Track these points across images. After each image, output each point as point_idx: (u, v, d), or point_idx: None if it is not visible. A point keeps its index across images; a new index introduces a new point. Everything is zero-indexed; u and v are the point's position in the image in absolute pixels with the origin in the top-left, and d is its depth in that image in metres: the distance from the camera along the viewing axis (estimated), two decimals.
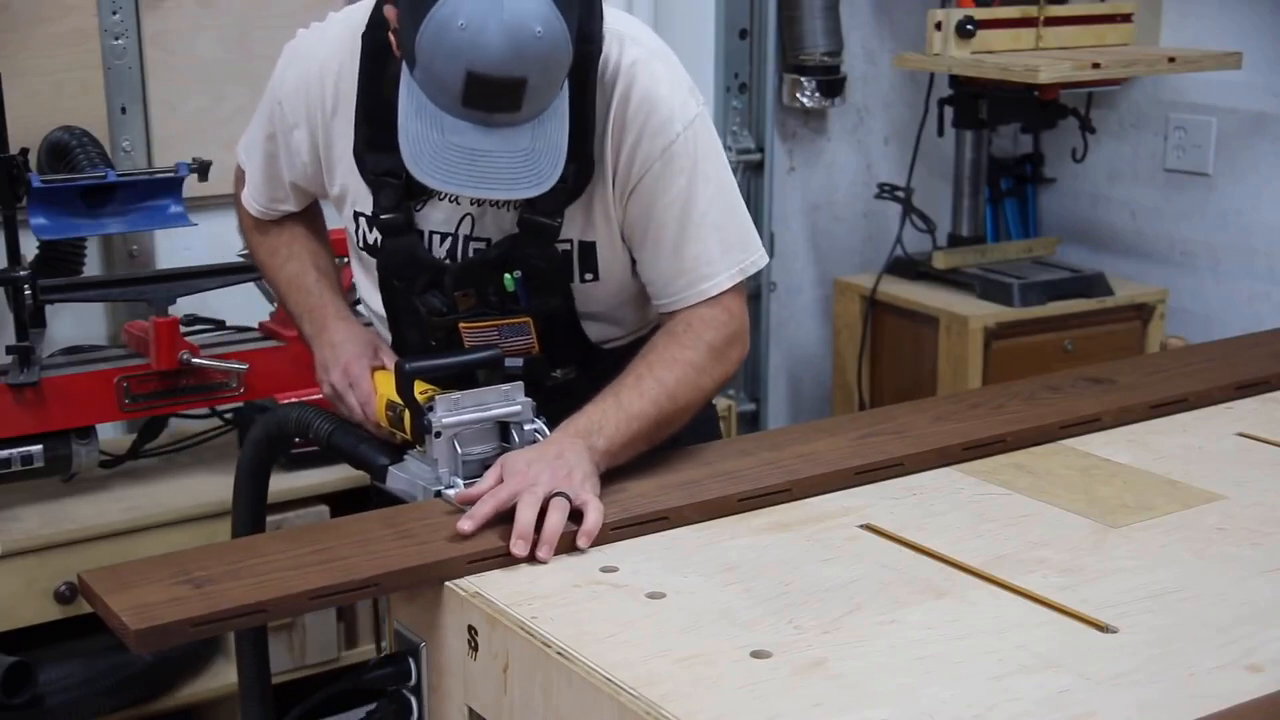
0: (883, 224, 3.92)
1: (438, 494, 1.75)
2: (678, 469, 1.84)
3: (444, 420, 1.74)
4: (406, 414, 1.80)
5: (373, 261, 1.96)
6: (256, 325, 2.84)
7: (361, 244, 1.95)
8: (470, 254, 1.89)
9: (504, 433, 1.79)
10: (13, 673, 2.44)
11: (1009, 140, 4.02)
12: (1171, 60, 3.36)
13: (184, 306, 2.72)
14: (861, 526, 1.71)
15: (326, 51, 1.90)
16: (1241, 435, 2.03)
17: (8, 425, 2.51)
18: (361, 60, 1.86)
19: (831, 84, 3.73)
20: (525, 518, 1.62)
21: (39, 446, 2.54)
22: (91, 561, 2.27)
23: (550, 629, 1.44)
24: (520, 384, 1.79)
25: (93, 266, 2.91)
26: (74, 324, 2.93)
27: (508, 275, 1.87)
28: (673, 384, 1.81)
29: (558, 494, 1.64)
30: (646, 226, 1.86)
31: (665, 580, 1.56)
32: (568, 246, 1.88)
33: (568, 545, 1.64)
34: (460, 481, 1.74)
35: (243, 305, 2.87)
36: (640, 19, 2.02)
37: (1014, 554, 1.63)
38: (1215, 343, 2.75)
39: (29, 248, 2.70)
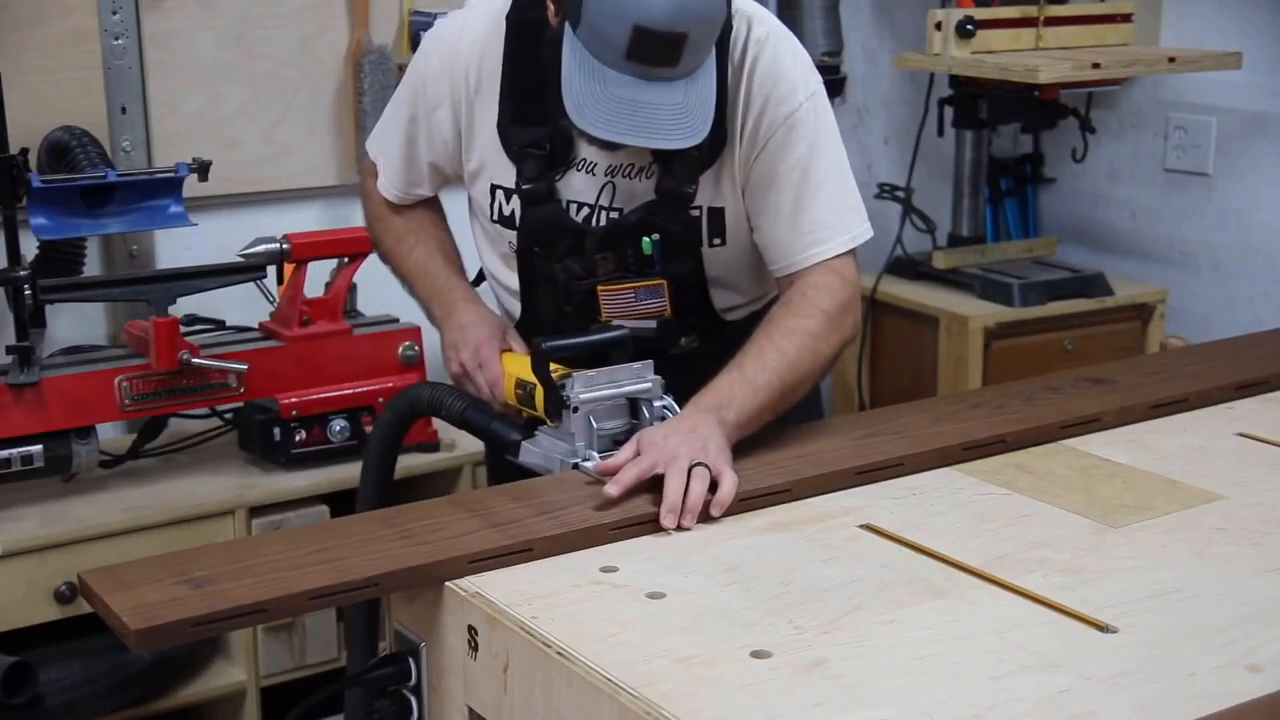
0: (883, 224, 3.89)
1: (575, 466, 1.82)
2: None
3: (581, 395, 1.82)
4: (538, 391, 1.87)
5: (501, 234, 2.06)
6: (256, 325, 2.84)
7: (495, 216, 2.06)
8: (606, 222, 1.99)
9: (633, 409, 1.86)
10: (13, 673, 2.44)
11: (1009, 140, 4.01)
12: (1171, 60, 3.35)
13: (184, 306, 2.72)
14: (861, 526, 1.71)
15: (470, 36, 2.02)
16: (1241, 435, 2.03)
17: (8, 425, 2.51)
18: (507, 39, 1.98)
19: (831, 84, 3.70)
20: (675, 489, 1.69)
21: (39, 446, 2.54)
22: (91, 561, 2.26)
23: (550, 629, 1.44)
24: (650, 363, 1.88)
25: (93, 266, 2.91)
26: (74, 324, 2.93)
27: (646, 239, 1.98)
28: (793, 354, 1.89)
29: (698, 464, 1.71)
30: (767, 191, 1.97)
31: (665, 580, 1.56)
32: (698, 213, 1.99)
33: (704, 516, 1.71)
34: (596, 454, 1.82)
35: (243, 305, 2.87)
36: None
37: (1014, 554, 1.63)
38: (1215, 343, 2.74)
39: (29, 248, 2.70)
